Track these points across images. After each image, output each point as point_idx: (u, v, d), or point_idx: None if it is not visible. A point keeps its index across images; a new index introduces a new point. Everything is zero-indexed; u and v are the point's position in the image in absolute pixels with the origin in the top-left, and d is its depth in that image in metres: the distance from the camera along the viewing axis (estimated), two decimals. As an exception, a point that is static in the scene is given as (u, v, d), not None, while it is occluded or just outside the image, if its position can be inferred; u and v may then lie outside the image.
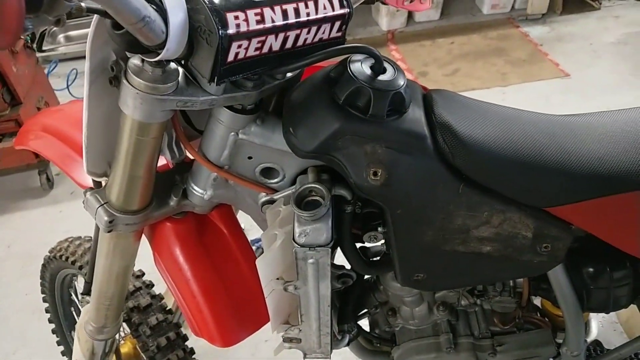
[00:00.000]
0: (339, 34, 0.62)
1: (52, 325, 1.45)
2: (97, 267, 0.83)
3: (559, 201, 0.68)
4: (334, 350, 0.90)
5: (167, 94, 0.58)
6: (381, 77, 0.62)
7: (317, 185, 0.65)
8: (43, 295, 1.40)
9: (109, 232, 0.72)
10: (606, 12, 3.50)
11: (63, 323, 1.45)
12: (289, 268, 0.70)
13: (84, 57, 0.61)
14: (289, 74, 0.67)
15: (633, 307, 0.94)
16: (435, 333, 0.97)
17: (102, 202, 0.71)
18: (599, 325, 1.09)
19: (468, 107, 0.70)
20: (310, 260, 0.66)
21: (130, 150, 0.65)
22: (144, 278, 1.20)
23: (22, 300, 1.92)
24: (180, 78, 0.59)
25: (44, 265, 1.32)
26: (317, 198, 0.65)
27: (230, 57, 0.55)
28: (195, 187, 0.75)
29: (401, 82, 0.63)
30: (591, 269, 0.81)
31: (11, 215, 2.44)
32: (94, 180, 0.75)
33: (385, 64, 0.63)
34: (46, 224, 2.34)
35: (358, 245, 0.81)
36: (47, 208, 2.46)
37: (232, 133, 0.67)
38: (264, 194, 0.74)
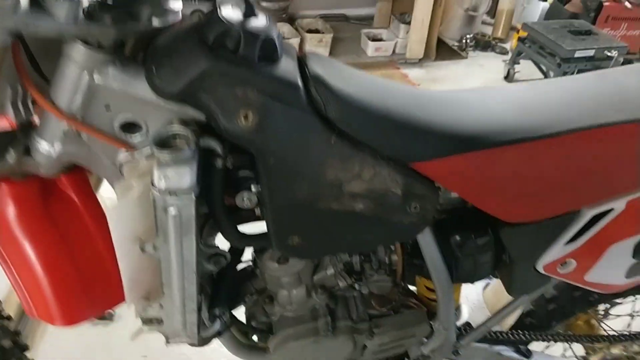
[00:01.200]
0: None
1: None
2: None
3: (422, 157, 0.70)
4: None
5: (4, 10, 0.51)
6: (252, 21, 0.61)
7: (181, 129, 0.60)
8: None
9: None
10: (472, 61, 3.97)
11: None
12: (147, 224, 0.63)
13: None
14: (156, 23, 0.63)
15: (498, 291, 1.01)
16: (313, 318, 0.94)
17: None
18: (469, 310, 1.14)
19: (342, 68, 0.72)
20: (172, 211, 0.61)
21: None
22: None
23: None
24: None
25: None
26: (181, 142, 0.60)
27: None
28: (42, 142, 0.66)
29: (273, 29, 0.62)
30: (458, 237, 0.85)
31: None
32: None
33: (258, 12, 0.62)
34: None
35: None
36: None
37: (86, 74, 0.61)
38: (123, 151, 0.67)
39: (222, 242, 0.79)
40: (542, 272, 0.86)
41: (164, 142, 0.60)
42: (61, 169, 0.71)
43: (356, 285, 0.99)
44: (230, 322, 0.92)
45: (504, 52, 4.04)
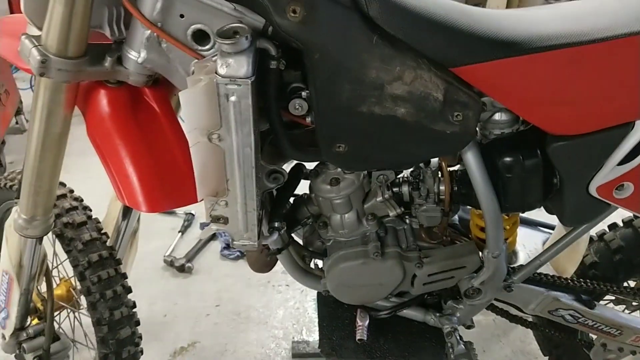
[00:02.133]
0: None
1: None
2: (30, 138, 0.84)
3: (464, 61, 0.74)
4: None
5: None
6: None
7: (240, 25, 0.70)
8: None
9: (40, 75, 0.75)
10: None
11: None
12: (214, 118, 0.73)
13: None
14: None
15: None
16: (364, 242, 0.99)
17: (36, 44, 0.74)
18: (526, 257, 1.13)
19: None
20: (232, 98, 0.70)
21: None
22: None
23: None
24: None
25: None
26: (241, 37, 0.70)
27: None
28: (130, 50, 0.79)
29: None
30: (506, 159, 0.85)
31: None
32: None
33: None
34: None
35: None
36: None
37: None
38: (196, 61, 0.78)
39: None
40: (596, 196, 0.84)
41: (226, 35, 0.70)
42: (147, 79, 0.84)
43: (406, 219, 1.03)
44: (288, 240, 1.00)
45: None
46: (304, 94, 0.79)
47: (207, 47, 0.77)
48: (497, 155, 0.87)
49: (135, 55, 0.79)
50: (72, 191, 1.18)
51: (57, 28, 0.73)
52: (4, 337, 1.14)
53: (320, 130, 0.79)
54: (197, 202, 0.84)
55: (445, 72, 0.74)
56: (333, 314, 1.14)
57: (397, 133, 0.79)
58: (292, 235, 1.03)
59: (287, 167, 0.93)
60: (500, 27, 0.75)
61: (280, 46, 0.74)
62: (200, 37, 0.77)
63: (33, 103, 0.81)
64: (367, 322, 1.08)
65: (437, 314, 1.09)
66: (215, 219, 0.85)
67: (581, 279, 1.07)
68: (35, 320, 1.20)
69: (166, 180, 0.84)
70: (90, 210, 1.17)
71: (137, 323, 1.15)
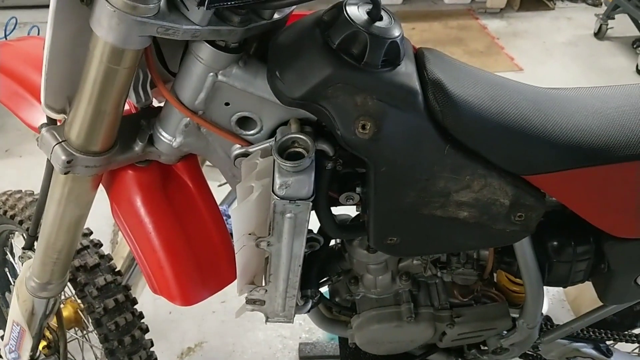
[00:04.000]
0: None
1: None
2: (47, 215, 0.76)
3: (539, 169, 0.68)
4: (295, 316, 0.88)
5: (148, 16, 0.53)
6: (378, 24, 0.59)
7: (301, 136, 0.61)
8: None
9: (65, 173, 0.65)
10: (559, 13, 3.66)
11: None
12: (262, 223, 0.67)
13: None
14: (276, 15, 0.63)
15: (580, 286, 0.99)
16: (396, 302, 0.97)
17: (60, 140, 0.64)
18: (549, 302, 1.13)
19: (458, 68, 0.69)
20: (289, 215, 0.63)
21: (99, 80, 0.58)
22: (92, 237, 1.12)
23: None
24: (162, 2, 0.53)
25: None
26: (300, 150, 0.61)
27: None
28: (164, 133, 0.70)
29: (397, 32, 0.60)
30: (556, 242, 0.83)
31: None
32: (48, 118, 0.68)
33: (382, 12, 0.60)
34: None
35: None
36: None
37: (212, 74, 0.62)
38: (238, 146, 0.70)
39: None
40: (643, 286, 0.83)
41: (285, 149, 0.62)
42: (179, 158, 0.75)
43: (439, 273, 1.00)
44: (318, 299, 0.97)
45: (596, 4, 3.69)
46: (358, 189, 0.72)
47: (253, 132, 0.69)
48: (548, 237, 0.84)
49: (170, 139, 0.69)
50: (86, 234, 1.09)
51: (86, 122, 0.62)
52: (16, 371, 1.11)
53: (374, 225, 0.74)
54: (231, 283, 0.79)
55: (515, 179, 0.69)
56: (355, 355, 1.14)
57: (455, 231, 0.74)
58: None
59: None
60: (581, 131, 0.69)
61: (337, 145, 0.66)
62: (246, 122, 0.68)
63: (52, 189, 0.72)
64: (393, 372, 1.08)
65: (460, 359, 1.11)
66: (252, 302, 0.81)
67: (605, 332, 1.09)
68: (43, 346, 1.16)
69: (202, 268, 0.78)
70: (101, 245, 1.10)
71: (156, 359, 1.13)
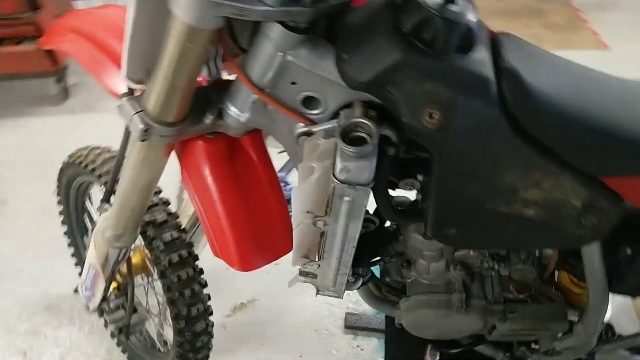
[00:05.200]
0: None
1: (64, 228, 1.46)
2: (123, 176, 0.82)
3: (619, 172, 0.64)
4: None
5: None
6: (453, 7, 0.57)
7: (365, 121, 0.61)
8: (58, 199, 1.40)
9: (142, 141, 0.70)
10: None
11: (75, 228, 1.46)
12: (320, 203, 0.68)
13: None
14: None
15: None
16: (447, 290, 0.96)
17: (139, 110, 0.68)
18: (613, 309, 1.08)
19: (538, 56, 0.65)
20: (347, 198, 0.64)
21: (175, 58, 0.61)
22: (161, 195, 1.19)
23: (35, 201, 1.94)
24: None
25: (61, 170, 1.31)
26: (363, 134, 0.61)
27: None
28: (232, 108, 0.72)
29: (472, 16, 0.58)
30: (629, 250, 0.78)
31: (26, 120, 2.44)
32: (128, 88, 0.72)
33: None
34: (60, 133, 2.34)
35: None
36: (62, 117, 2.46)
37: (280, 53, 0.63)
38: (302, 124, 0.71)
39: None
40: None
41: (348, 132, 0.62)
42: (245, 132, 0.77)
43: (496, 266, 0.98)
44: (369, 277, 0.98)
45: None
46: (419, 176, 0.71)
47: (317, 111, 0.69)
48: (620, 242, 0.79)
49: (238, 114, 0.72)
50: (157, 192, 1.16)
51: (162, 95, 0.66)
52: (88, 308, 1.22)
53: (433, 214, 0.73)
54: (287, 253, 0.82)
55: (591, 180, 0.65)
56: (401, 336, 1.15)
57: (518, 229, 0.72)
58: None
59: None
60: None
61: (401, 131, 0.65)
62: (310, 101, 0.68)
63: (128, 153, 0.77)
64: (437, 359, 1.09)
65: (508, 354, 1.09)
66: (304, 274, 0.83)
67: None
68: (114, 288, 1.27)
69: (261, 237, 0.81)
70: (169, 203, 1.17)
71: (211, 314, 1.20)
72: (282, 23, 0.61)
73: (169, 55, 0.61)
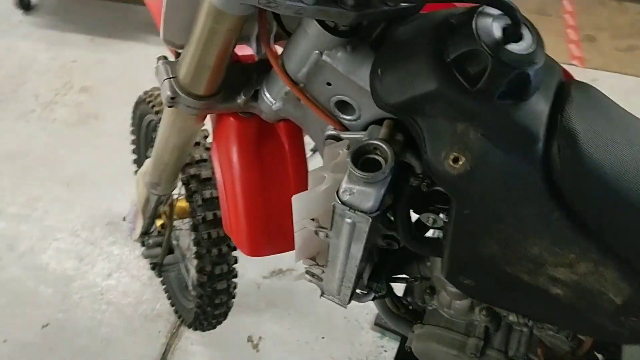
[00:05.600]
0: None
1: (134, 156, 1.54)
2: (158, 132, 0.82)
3: None
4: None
5: None
6: (512, 47, 0.47)
7: (383, 145, 0.54)
8: (131, 129, 1.48)
9: (169, 107, 0.69)
10: None
11: (143, 159, 1.54)
12: (327, 213, 0.63)
13: None
14: (403, 3, 0.54)
15: None
16: (466, 332, 0.88)
17: (170, 76, 0.67)
18: None
19: (611, 118, 0.53)
20: (348, 220, 0.58)
21: (203, 37, 0.59)
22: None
23: (122, 122, 2.07)
24: None
25: (136, 104, 1.37)
26: (380, 159, 0.55)
27: None
28: (267, 94, 0.68)
29: (536, 60, 0.48)
30: None
31: (132, 44, 2.56)
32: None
33: (524, 31, 0.47)
34: (158, 63, 2.44)
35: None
36: (165, 48, 2.55)
37: (316, 51, 0.57)
38: (332, 127, 0.65)
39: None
40: None
41: (363, 153, 0.55)
42: (278, 120, 0.73)
43: (530, 323, 0.87)
44: (386, 292, 0.92)
45: None
46: (442, 215, 0.63)
47: (350, 117, 0.64)
48: None
49: (271, 101, 0.68)
50: (206, 137, 1.17)
51: (192, 68, 0.64)
52: (132, 237, 1.30)
53: (448, 260, 0.65)
54: None
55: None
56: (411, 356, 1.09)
57: (542, 302, 0.62)
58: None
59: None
60: None
61: None
62: (344, 105, 0.63)
63: (163, 116, 0.77)
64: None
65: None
66: (310, 274, 0.80)
67: None
68: (160, 224, 1.32)
69: (275, 226, 0.78)
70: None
71: (235, 276, 1.22)
72: (321, 21, 0.55)
73: (198, 33, 0.59)
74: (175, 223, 1.33)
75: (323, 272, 0.76)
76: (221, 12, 0.55)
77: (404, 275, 0.95)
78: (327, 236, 0.65)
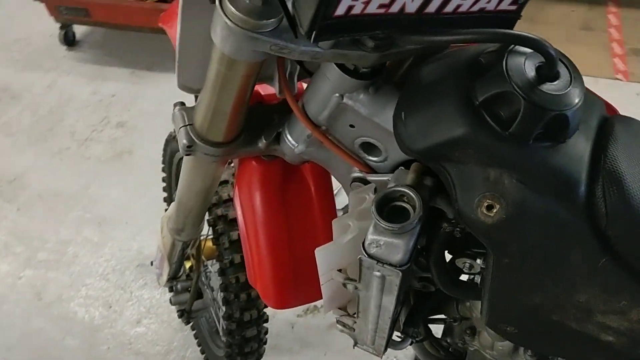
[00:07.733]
0: (513, 7, 0.43)
1: (165, 194, 1.53)
2: (180, 177, 0.81)
3: None
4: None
5: (261, 32, 0.47)
6: (547, 87, 0.43)
7: (410, 193, 0.50)
8: (162, 166, 1.47)
9: (186, 155, 0.67)
10: None
11: (173, 197, 1.53)
12: (354, 263, 0.59)
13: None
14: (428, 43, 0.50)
15: None
16: (511, 376, 0.81)
17: (187, 123, 0.65)
18: None
19: None
20: (377, 273, 0.55)
21: (217, 84, 0.57)
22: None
23: (156, 158, 2.07)
24: (284, 19, 0.47)
25: (166, 141, 1.35)
26: (407, 206, 0.51)
27: (340, 11, 0.41)
28: (289, 137, 0.66)
29: (574, 99, 0.44)
30: None
31: (172, 77, 2.57)
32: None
33: (561, 68, 0.43)
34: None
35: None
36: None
37: (337, 95, 0.55)
38: (358, 170, 0.62)
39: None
40: None
41: (390, 200, 0.52)
42: (302, 162, 0.70)
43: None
44: (425, 335, 0.87)
45: None
46: (479, 261, 0.59)
47: (377, 159, 0.60)
48: None
49: (294, 144, 0.65)
50: (234, 173, 1.15)
51: (208, 115, 0.62)
52: (159, 283, 1.28)
53: (488, 308, 0.60)
54: None
55: None
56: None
57: (593, 350, 0.56)
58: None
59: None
60: None
61: None
62: (370, 147, 0.60)
63: (183, 162, 0.75)
64: None
65: None
66: (341, 324, 0.75)
67: None
68: (189, 266, 1.30)
69: (301, 275, 0.75)
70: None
71: (266, 321, 1.18)
72: (340, 64, 0.52)
73: (211, 79, 0.57)
74: (206, 262, 1.31)
75: (355, 322, 0.72)
76: (232, 60, 0.53)
77: (442, 316, 0.89)
78: (356, 288, 0.61)
